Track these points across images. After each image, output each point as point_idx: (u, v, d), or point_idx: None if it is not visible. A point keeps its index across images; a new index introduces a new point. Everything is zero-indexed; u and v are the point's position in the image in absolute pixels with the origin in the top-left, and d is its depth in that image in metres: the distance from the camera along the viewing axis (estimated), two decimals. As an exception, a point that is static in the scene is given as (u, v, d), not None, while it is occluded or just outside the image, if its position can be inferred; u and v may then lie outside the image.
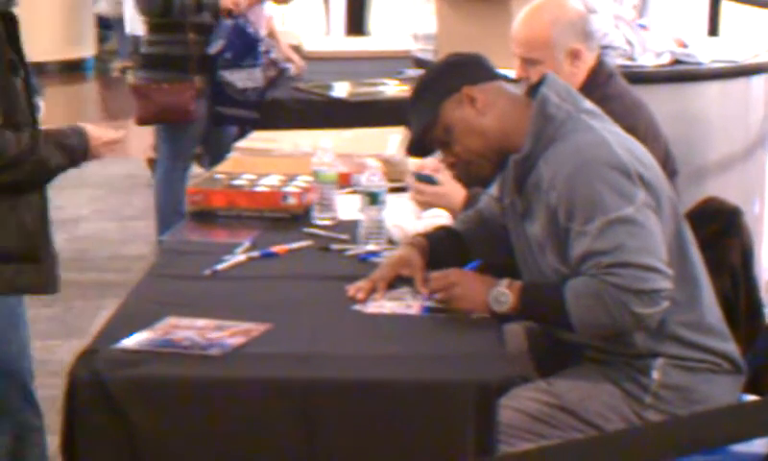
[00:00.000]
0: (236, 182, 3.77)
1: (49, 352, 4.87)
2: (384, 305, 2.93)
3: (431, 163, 3.46)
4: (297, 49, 6.40)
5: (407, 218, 3.42)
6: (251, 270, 3.22)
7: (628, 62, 4.62)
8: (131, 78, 6.79)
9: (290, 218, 3.63)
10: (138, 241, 6.52)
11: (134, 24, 7.34)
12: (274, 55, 5.87)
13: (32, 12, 8.97)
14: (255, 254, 3.31)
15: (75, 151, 3.23)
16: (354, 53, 6.95)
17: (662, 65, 4.73)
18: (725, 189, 4.12)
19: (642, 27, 4.84)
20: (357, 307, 2.93)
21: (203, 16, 5.38)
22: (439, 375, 2.62)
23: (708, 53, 4.83)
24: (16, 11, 3.16)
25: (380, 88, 5.77)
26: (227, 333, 2.75)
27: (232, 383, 2.61)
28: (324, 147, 3.66)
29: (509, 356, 2.78)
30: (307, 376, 2.61)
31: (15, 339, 3.26)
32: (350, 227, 3.47)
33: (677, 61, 4.77)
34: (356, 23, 9.43)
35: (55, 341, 5.03)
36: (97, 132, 3.28)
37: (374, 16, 9.64)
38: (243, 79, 5.46)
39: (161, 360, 2.64)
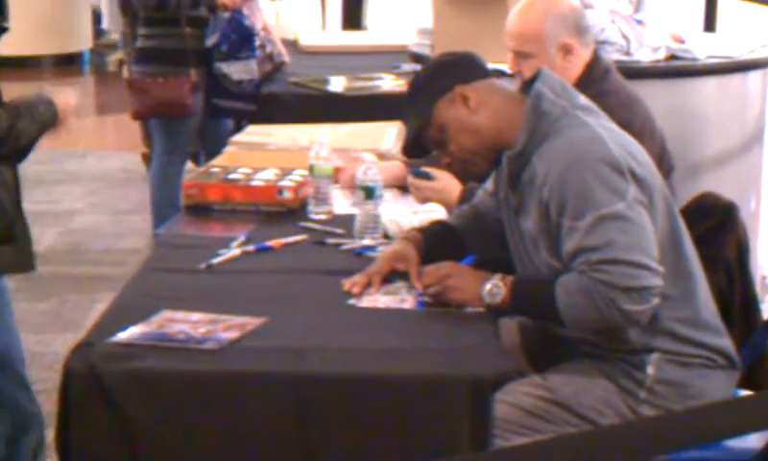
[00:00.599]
0: (232, 176, 3.77)
1: (44, 346, 4.87)
2: (379, 300, 2.94)
3: None
4: (293, 44, 6.39)
5: (402, 213, 3.42)
6: (246, 264, 3.22)
7: (624, 58, 4.62)
8: (126, 72, 6.77)
9: (286, 212, 3.63)
10: (133, 235, 6.52)
11: (113, 19, 7.32)
12: (269, 49, 5.86)
13: (26, 4, 8.98)
14: (251, 248, 3.31)
15: (46, 121, 3.19)
16: (351, 47, 6.94)
17: (659, 61, 4.73)
18: (721, 185, 4.12)
19: (639, 22, 4.84)
20: (352, 302, 2.93)
21: (199, 10, 5.38)
22: (434, 369, 2.62)
23: (704, 48, 4.83)
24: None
25: (376, 83, 5.76)
26: (221, 327, 2.74)
27: (227, 377, 2.61)
28: (320, 141, 3.65)
29: (504, 351, 2.78)
30: (302, 370, 2.61)
31: (3, 325, 3.26)
32: (346, 221, 3.47)
33: (673, 57, 4.77)
34: (353, 17, 9.41)
35: (49, 334, 5.03)
36: (63, 97, 3.24)
37: (371, 11, 9.62)
38: (239, 71, 5.46)
39: (156, 354, 2.64)
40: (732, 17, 7.03)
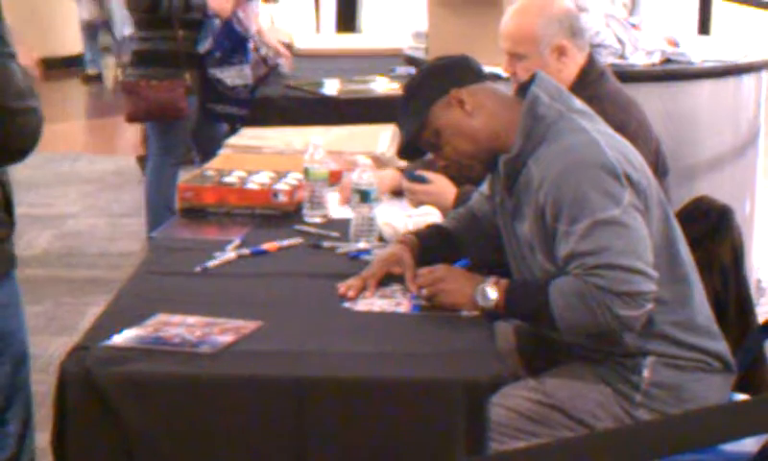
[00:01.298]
0: (227, 179, 3.77)
1: (38, 349, 4.85)
2: (374, 303, 2.93)
3: None
4: (288, 47, 6.39)
5: (398, 216, 3.42)
6: (241, 267, 3.22)
7: (619, 61, 4.63)
8: (119, 75, 6.77)
9: (281, 215, 3.63)
10: (128, 238, 6.52)
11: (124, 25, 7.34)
12: (264, 52, 5.86)
13: (18, 7, 8.95)
14: (246, 251, 3.31)
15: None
16: (345, 50, 6.94)
17: (653, 64, 4.73)
18: (715, 188, 4.13)
19: (633, 26, 4.85)
20: (347, 305, 2.93)
21: (191, 14, 5.38)
22: (429, 373, 2.61)
23: (698, 52, 4.84)
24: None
25: (371, 86, 5.77)
26: (217, 330, 2.74)
27: (223, 380, 2.60)
28: (315, 144, 3.65)
29: (499, 355, 2.77)
30: (297, 374, 2.60)
31: (22, 322, 3.26)
32: (341, 224, 3.47)
33: (668, 60, 4.78)
34: (347, 20, 9.42)
35: (44, 337, 5.02)
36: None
37: (365, 14, 9.63)
38: (232, 76, 5.46)
39: (152, 357, 2.63)
40: (727, 21, 7.04)
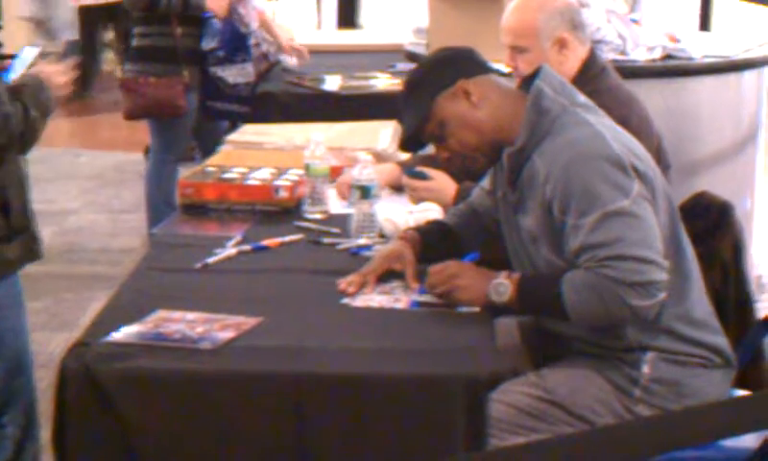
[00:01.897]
0: (227, 176, 3.77)
1: (38, 345, 4.84)
2: (373, 299, 2.93)
3: None
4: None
5: (398, 212, 3.42)
6: (242, 263, 3.22)
7: (620, 57, 4.62)
8: (119, 71, 6.76)
9: (281, 211, 3.63)
10: (128, 234, 6.52)
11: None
12: (265, 48, 5.86)
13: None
14: (246, 247, 3.31)
15: (49, 107, 3.18)
16: (346, 46, 6.94)
17: (654, 60, 4.73)
18: (716, 184, 4.12)
19: (634, 22, 4.85)
20: (346, 301, 2.92)
21: (189, 11, 5.37)
22: (429, 369, 2.61)
23: (699, 48, 4.83)
24: None
25: (372, 82, 5.77)
26: (217, 327, 2.74)
27: (223, 377, 2.60)
28: (315, 140, 3.65)
29: (500, 350, 2.77)
30: (298, 370, 2.60)
31: (20, 327, 3.26)
32: (342, 220, 3.47)
33: (669, 56, 4.78)
34: (348, 16, 9.42)
35: (44, 333, 5.02)
36: (53, 78, 3.23)
37: (366, 10, 9.62)
38: (234, 75, 5.46)
39: (152, 353, 2.63)
40: (728, 17, 7.04)
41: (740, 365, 2.98)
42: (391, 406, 2.57)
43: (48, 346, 4.84)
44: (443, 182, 3.50)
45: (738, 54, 4.91)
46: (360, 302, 2.92)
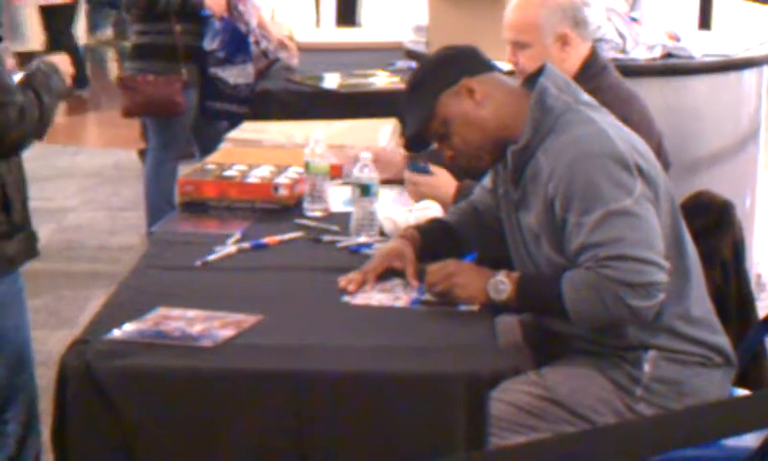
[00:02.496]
0: (227, 173, 3.76)
1: (38, 343, 4.83)
2: (373, 297, 2.93)
3: None
4: (289, 40, 6.38)
5: (399, 210, 3.41)
6: (241, 261, 3.22)
7: (620, 56, 4.62)
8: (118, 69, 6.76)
9: (281, 209, 3.62)
10: (128, 232, 6.52)
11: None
12: (264, 45, 5.85)
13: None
14: (246, 245, 3.31)
15: (61, 92, 3.19)
16: (345, 44, 6.93)
17: (654, 59, 4.73)
18: (716, 183, 4.12)
19: (634, 20, 4.84)
20: (346, 299, 2.92)
21: (187, 8, 5.37)
22: (429, 367, 2.61)
23: (699, 47, 4.83)
24: None
25: (371, 80, 5.76)
26: (217, 324, 2.74)
27: (223, 374, 2.60)
28: (315, 138, 3.65)
29: (501, 349, 2.77)
30: (298, 368, 2.60)
31: (21, 324, 3.26)
32: (342, 218, 3.47)
33: (669, 55, 4.77)
34: (347, 14, 9.40)
35: (44, 331, 5.02)
36: (62, 64, 3.23)
37: (365, 7, 9.61)
38: (234, 75, 5.46)
39: (152, 351, 2.63)
40: (728, 15, 7.03)
41: (741, 364, 2.98)
42: (391, 404, 2.57)
43: (47, 343, 4.84)
44: (443, 179, 3.50)
45: (738, 52, 4.91)
46: (360, 300, 2.92)
